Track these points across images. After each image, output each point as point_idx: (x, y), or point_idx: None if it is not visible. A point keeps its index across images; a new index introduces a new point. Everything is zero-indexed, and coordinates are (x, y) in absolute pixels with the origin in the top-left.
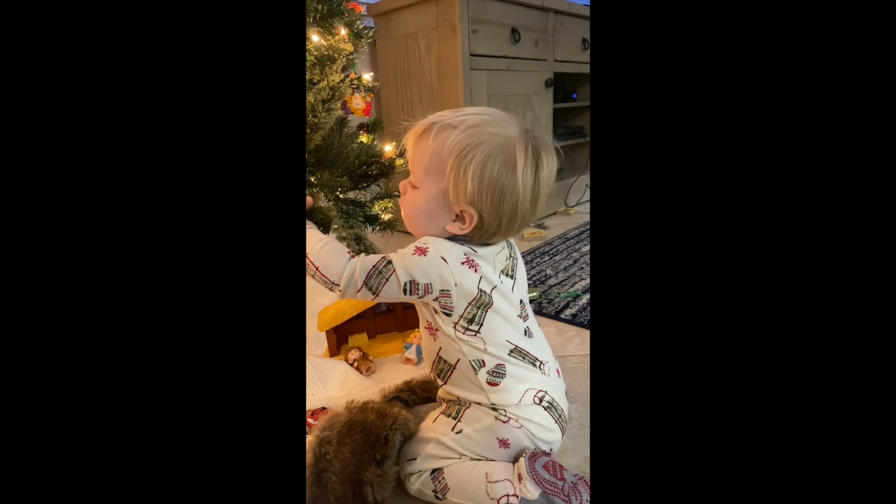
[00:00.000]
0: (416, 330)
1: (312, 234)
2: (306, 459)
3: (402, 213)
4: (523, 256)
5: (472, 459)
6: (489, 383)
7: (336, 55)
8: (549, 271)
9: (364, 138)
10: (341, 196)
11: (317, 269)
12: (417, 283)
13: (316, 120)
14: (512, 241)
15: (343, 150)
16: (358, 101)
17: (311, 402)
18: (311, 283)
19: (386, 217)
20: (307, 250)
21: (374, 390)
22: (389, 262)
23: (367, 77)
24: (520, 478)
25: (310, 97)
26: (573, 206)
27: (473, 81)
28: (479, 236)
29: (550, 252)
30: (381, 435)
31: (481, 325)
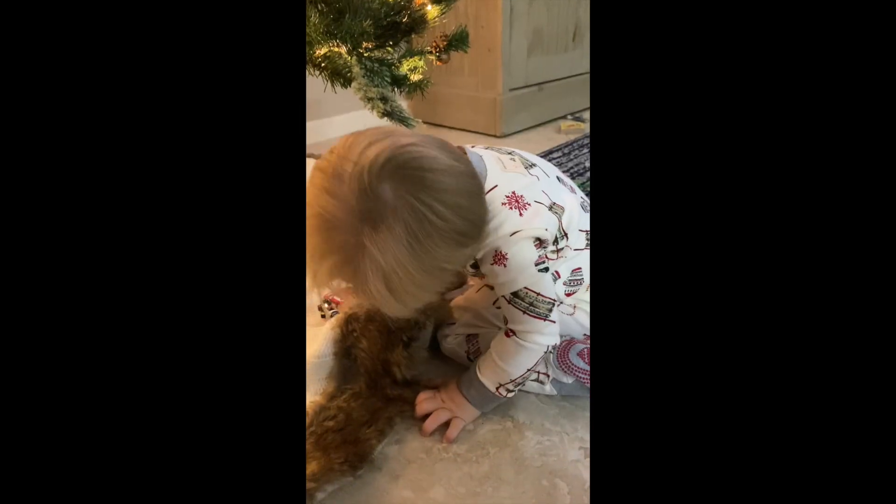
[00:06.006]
0: None
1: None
2: (333, 335)
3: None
4: (562, 149)
5: None
6: (566, 294)
7: None
8: (587, 164)
9: None
10: (365, 54)
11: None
12: (542, 255)
13: None
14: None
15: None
16: None
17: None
18: None
19: (415, 77)
20: (506, 376)
21: None
22: (514, 293)
23: None
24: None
25: None
26: None
27: None
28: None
29: (590, 145)
30: (412, 319)
31: (566, 235)
